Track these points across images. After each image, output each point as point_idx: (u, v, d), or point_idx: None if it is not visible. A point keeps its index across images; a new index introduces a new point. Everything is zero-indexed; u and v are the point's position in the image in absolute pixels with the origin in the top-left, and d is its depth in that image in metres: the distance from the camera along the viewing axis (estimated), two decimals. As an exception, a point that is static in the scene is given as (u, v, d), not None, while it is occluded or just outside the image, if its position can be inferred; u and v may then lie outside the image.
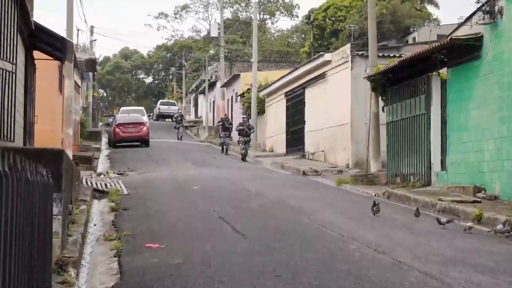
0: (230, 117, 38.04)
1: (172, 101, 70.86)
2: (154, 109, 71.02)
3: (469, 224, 11.01)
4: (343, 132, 23.85)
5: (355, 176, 19.82)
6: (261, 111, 36.94)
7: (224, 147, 32.17)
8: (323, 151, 26.16)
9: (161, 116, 64.64)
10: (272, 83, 34.59)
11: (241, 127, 29.88)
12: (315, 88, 27.74)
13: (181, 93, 79.10)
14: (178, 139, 39.55)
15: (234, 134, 33.65)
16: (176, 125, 40.71)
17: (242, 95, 41.63)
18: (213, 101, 57.20)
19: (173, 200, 14.26)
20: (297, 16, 77.65)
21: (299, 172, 22.94)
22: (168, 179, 18.94)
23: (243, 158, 29.04)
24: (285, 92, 32.26)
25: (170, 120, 61.12)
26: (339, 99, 24.39)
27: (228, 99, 49.47)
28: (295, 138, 30.28)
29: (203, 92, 59.61)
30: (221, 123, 32.81)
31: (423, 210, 13.31)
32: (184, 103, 74.72)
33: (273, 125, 34.30)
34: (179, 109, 62.12)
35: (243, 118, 31.61)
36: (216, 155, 31.32)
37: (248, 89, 38.68)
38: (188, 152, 31.60)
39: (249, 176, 20.62)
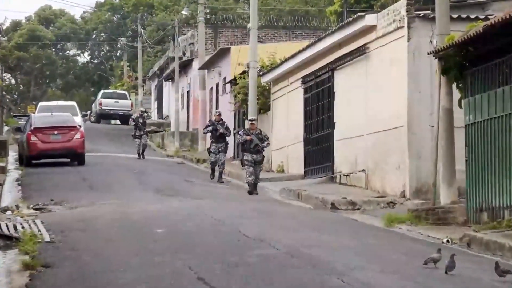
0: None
1: (122, 91, 70.87)
2: (93, 105, 71.22)
3: None
4: (396, 140, 23.87)
5: (416, 210, 19.80)
6: (264, 108, 36.92)
7: (217, 169, 30.59)
8: (363, 170, 26.18)
9: (104, 116, 64.72)
10: (282, 63, 34.63)
11: (248, 136, 27.01)
12: (351, 70, 27.78)
13: (136, 78, 79.24)
14: (139, 155, 38.55)
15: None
16: (137, 133, 38.58)
17: (233, 82, 41.65)
18: (187, 92, 57.22)
19: (124, 251, 14.24)
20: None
21: (325, 205, 22.94)
22: (115, 217, 18.90)
23: (253, 188, 26.59)
24: (303, 77, 32.30)
25: (119, 122, 61.16)
26: (389, 88, 24.42)
27: (211, 88, 49.52)
28: (318, 151, 30.28)
29: (170, 78, 59.69)
30: (210, 128, 31.09)
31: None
32: (140, 95, 74.85)
33: (284, 129, 34.33)
34: (132, 104, 62.15)
35: (251, 122, 28.55)
36: (193, 178, 31.24)
37: (244, 72, 38.66)
38: (148, 173, 31.52)
39: (245, 211, 20.57)
